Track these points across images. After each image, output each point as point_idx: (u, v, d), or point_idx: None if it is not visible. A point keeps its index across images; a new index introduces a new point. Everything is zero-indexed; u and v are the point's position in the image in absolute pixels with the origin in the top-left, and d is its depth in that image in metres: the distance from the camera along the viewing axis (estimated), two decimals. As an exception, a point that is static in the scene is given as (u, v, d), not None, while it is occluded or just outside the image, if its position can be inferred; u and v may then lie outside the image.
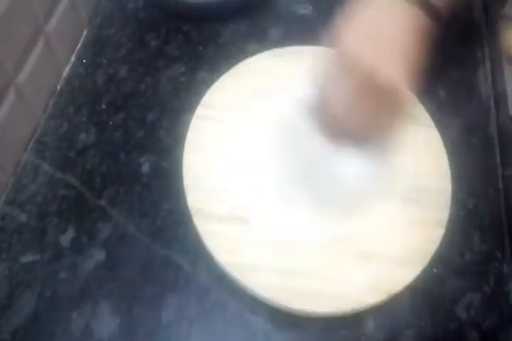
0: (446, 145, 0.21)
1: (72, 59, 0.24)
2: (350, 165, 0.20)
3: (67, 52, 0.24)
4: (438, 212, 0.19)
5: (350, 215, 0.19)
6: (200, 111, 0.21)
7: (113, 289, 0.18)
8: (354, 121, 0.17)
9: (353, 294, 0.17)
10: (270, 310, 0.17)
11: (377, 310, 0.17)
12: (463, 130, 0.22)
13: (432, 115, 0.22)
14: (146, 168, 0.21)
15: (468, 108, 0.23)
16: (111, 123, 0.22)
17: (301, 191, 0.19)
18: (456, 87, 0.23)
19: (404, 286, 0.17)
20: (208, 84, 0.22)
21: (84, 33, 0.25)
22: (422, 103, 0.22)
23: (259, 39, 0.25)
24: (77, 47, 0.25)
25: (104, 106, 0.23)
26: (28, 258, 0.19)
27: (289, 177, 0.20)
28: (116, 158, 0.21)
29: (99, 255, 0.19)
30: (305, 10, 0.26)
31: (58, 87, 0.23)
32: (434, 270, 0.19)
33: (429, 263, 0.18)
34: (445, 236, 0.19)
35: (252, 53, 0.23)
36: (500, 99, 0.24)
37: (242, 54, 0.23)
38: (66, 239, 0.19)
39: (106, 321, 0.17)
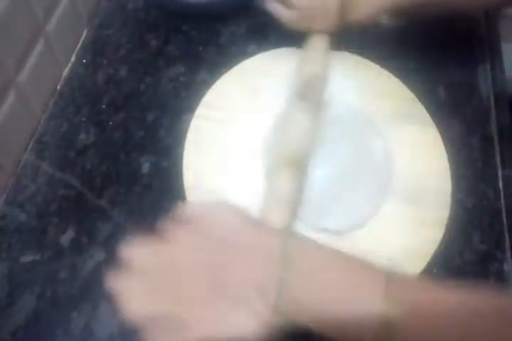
0: (446, 145, 0.21)
1: (72, 59, 0.24)
2: (350, 165, 0.20)
3: (67, 52, 0.24)
4: (438, 212, 0.19)
5: (351, 215, 0.19)
6: (200, 111, 0.21)
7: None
8: None
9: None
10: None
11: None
12: (463, 130, 0.22)
13: (432, 115, 0.22)
14: (146, 168, 0.21)
15: (468, 108, 0.23)
16: (111, 123, 0.22)
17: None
18: (456, 86, 0.23)
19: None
20: (207, 84, 0.22)
21: (84, 33, 0.25)
22: (422, 103, 0.22)
23: (259, 39, 0.25)
24: (77, 47, 0.25)
25: (104, 106, 0.23)
26: (28, 258, 0.19)
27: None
28: (116, 158, 0.21)
29: (99, 255, 0.19)
30: (305, 10, 0.26)
31: (58, 87, 0.23)
32: (434, 270, 0.19)
33: (429, 262, 0.18)
34: (445, 236, 0.19)
35: (252, 54, 0.23)
36: (500, 99, 0.24)
37: (242, 54, 0.24)
38: (66, 239, 0.19)
39: (106, 321, 0.17)
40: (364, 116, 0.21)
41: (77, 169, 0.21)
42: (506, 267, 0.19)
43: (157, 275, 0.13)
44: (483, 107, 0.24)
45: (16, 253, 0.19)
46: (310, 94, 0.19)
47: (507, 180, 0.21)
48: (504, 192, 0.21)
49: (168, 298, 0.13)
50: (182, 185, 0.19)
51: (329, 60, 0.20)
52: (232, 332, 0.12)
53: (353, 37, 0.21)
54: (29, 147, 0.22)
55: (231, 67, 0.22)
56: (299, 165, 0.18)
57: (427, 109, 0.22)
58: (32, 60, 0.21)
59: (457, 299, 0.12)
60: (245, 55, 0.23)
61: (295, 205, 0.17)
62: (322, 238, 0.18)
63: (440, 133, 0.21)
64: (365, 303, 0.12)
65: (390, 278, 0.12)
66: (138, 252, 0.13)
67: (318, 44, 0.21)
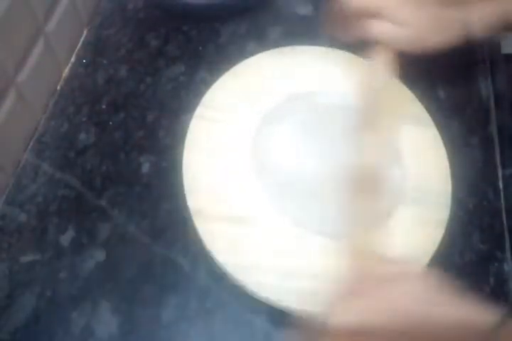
0: (446, 146, 0.21)
1: (72, 59, 0.24)
2: (351, 165, 0.20)
3: (67, 52, 0.24)
4: (438, 212, 0.19)
5: (351, 216, 0.19)
6: (200, 111, 0.21)
7: (113, 289, 0.18)
8: None
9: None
10: (270, 310, 0.17)
11: (377, 310, 0.17)
12: (463, 130, 0.22)
13: (432, 115, 0.22)
14: (146, 167, 0.21)
15: (468, 108, 0.23)
16: (111, 123, 0.22)
17: (302, 191, 0.19)
18: (456, 86, 0.23)
19: (404, 286, 0.17)
20: (207, 84, 0.22)
21: (85, 33, 0.25)
22: (422, 103, 0.22)
23: (259, 39, 0.25)
24: (77, 47, 0.25)
25: (104, 106, 0.23)
26: (28, 258, 0.19)
27: (290, 177, 0.19)
28: (116, 158, 0.21)
29: (99, 255, 0.19)
30: (305, 10, 0.26)
31: (58, 87, 0.23)
32: (434, 270, 0.19)
33: (429, 262, 0.18)
34: (445, 236, 0.19)
35: (252, 53, 0.23)
36: (500, 99, 0.24)
37: (242, 54, 0.23)
38: (66, 239, 0.19)
39: (106, 321, 0.17)
40: (363, 116, 0.21)
41: (77, 169, 0.21)
42: (506, 267, 0.19)
43: None
44: (483, 107, 0.24)
45: (16, 253, 0.19)
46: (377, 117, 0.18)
47: (507, 180, 0.21)
48: (504, 192, 0.21)
49: None
50: (182, 184, 0.19)
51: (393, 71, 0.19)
52: None
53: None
54: (29, 147, 0.22)
55: (231, 66, 0.22)
56: (372, 190, 0.17)
57: (426, 109, 0.22)
58: (32, 60, 0.21)
59: None
60: (245, 54, 0.23)
61: None
62: (320, 240, 0.18)
63: (440, 133, 0.21)
64: None
65: None
66: None
67: (383, 55, 0.19)
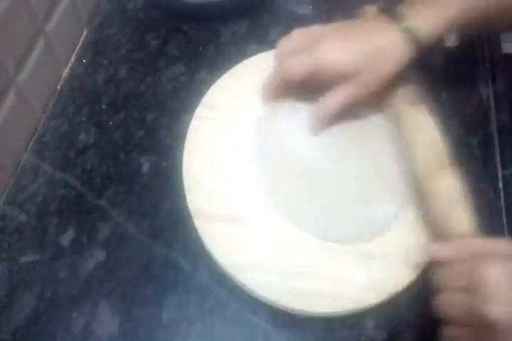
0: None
1: (72, 59, 0.24)
2: (350, 165, 0.20)
3: (67, 52, 0.24)
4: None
5: (351, 215, 0.19)
6: (200, 111, 0.21)
7: (113, 289, 0.18)
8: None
9: (353, 294, 0.17)
10: (270, 310, 0.17)
11: (377, 310, 0.17)
12: (463, 130, 0.22)
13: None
14: (146, 168, 0.21)
15: (468, 108, 0.23)
16: (111, 123, 0.22)
17: (301, 190, 0.19)
18: (456, 86, 0.23)
19: (405, 286, 0.17)
20: (207, 84, 0.22)
21: (84, 33, 0.25)
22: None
23: (259, 39, 0.25)
24: (77, 47, 0.25)
25: (104, 106, 0.23)
26: (28, 258, 0.19)
27: (290, 177, 0.19)
28: (116, 158, 0.21)
29: (99, 255, 0.19)
30: (305, 10, 0.26)
31: (58, 87, 0.23)
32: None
33: (429, 264, 0.18)
34: (445, 236, 0.19)
35: (252, 53, 0.23)
36: (500, 99, 0.24)
37: (242, 54, 0.23)
38: (66, 239, 0.19)
39: (106, 321, 0.17)
40: (365, 118, 0.21)
41: (77, 169, 0.21)
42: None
43: None
44: (483, 107, 0.24)
45: (16, 253, 0.19)
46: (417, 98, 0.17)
47: (507, 180, 0.21)
48: (504, 192, 0.21)
49: None
50: (182, 184, 0.19)
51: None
52: (380, 45, 0.13)
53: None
54: (29, 147, 0.22)
55: (231, 67, 0.22)
56: (450, 165, 0.17)
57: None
58: (32, 60, 0.21)
59: None
60: (245, 55, 0.23)
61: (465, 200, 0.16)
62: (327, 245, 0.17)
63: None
64: None
65: None
66: None
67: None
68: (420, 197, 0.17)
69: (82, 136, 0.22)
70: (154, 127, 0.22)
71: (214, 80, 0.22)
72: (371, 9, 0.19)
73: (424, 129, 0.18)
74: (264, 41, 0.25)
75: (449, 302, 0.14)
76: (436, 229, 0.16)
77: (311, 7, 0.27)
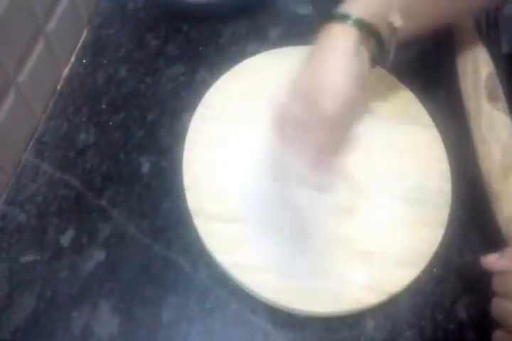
0: (445, 145, 0.21)
1: (72, 59, 0.24)
2: (352, 165, 0.20)
3: (67, 52, 0.24)
4: (438, 212, 0.19)
5: (351, 215, 0.19)
6: (200, 111, 0.21)
7: (113, 289, 0.18)
8: None
9: (353, 294, 0.17)
10: (270, 310, 0.17)
11: (377, 310, 0.17)
12: (463, 130, 0.22)
13: (432, 115, 0.22)
14: (146, 167, 0.21)
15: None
16: (111, 123, 0.22)
17: (303, 191, 0.19)
18: (455, 86, 0.23)
19: (404, 286, 0.17)
20: (208, 84, 0.22)
21: (84, 33, 0.25)
22: (422, 103, 0.22)
23: (259, 39, 0.25)
24: (77, 47, 0.25)
25: (104, 106, 0.23)
26: (28, 258, 0.18)
27: (290, 177, 0.19)
28: (116, 158, 0.21)
29: (99, 255, 0.19)
30: (305, 10, 0.26)
31: (58, 87, 0.23)
32: (434, 270, 0.19)
33: (429, 263, 0.18)
34: (445, 236, 0.19)
35: (252, 53, 0.23)
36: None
37: (242, 54, 0.24)
38: (66, 239, 0.19)
39: (106, 321, 0.17)
40: (365, 117, 0.21)
41: (77, 169, 0.21)
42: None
43: None
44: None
45: (16, 253, 0.19)
46: (497, 93, 0.17)
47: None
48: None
49: None
50: (182, 184, 0.19)
51: None
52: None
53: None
54: (29, 147, 0.21)
55: (231, 66, 0.22)
56: None
57: (426, 109, 0.22)
58: (32, 60, 0.21)
59: None
60: (245, 54, 0.23)
61: None
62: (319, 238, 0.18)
63: (440, 133, 0.21)
64: None
65: None
66: None
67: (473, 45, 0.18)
68: (492, 195, 0.17)
69: (82, 136, 0.22)
70: (154, 127, 0.22)
71: (214, 80, 0.22)
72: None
73: (502, 127, 0.17)
74: (264, 41, 0.25)
75: (502, 310, 0.14)
76: (504, 230, 0.16)
77: (311, 7, 0.27)
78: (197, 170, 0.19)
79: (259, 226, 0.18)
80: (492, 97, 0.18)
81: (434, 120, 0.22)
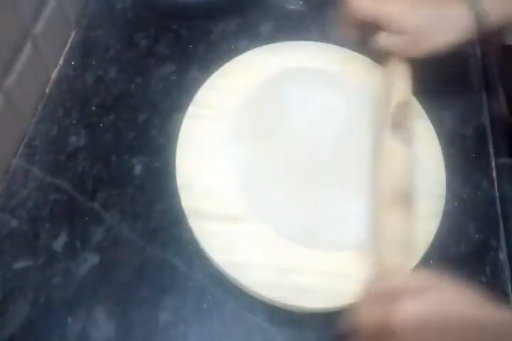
0: (439, 136, 0.21)
1: (61, 61, 0.24)
2: (346, 161, 0.20)
3: (55, 55, 0.24)
4: (433, 204, 0.19)
5: (347, 210, 0.18)
6: (192, 110, 0.21)
7: (108, 292, 0.18)
8: None
9: (351, 289, 0.17)
10: (268, 307, 0.17)
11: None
12: (455, 121, 0.22)
13: (424, 106, 0.21)
14: (138, 169, 0.21)
15: (461, 99, 0.23)
16: (101, 125, 0.22)
17: (296, 187, 0.19)
18: (448, 78, 0.23)
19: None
20: (199, 82, 0.22)
21: (72, 34, 0.25)
22: (415, 95, 0.22)
23: (250, 36, 0.25)
24: (65, 49, 0.24)
25: (94, 108, 0.23)
26: (20, 264, 0.18)
27: (284, 175, 0.19)
28: (107, 160, 0.21)
29: (93, 259, 0.18)
30: (295, 5, 0.26)
31: (47, 90, 0.23)
32: (431, 261, 0.18)
33: (426, 254, 0.18)
34: (440, 227, 0.18)
35: (243, 50, 0.23)
36: (491, 89, 0.24)
37: (233, 51, 0.23)
38: (59, 243, 0.19)
39: (102, 325, 0.17)
40: (358, 109, 0.21)
41: (69, 172, 0.21)
42: (501, 256, 0.19)
43: None
44: (475, 97, 0.24)
45: (9, 259, 0.18)
46: (403, 123, 0.18)
47: (500, 169, 0.21)
48: (498, 181, 0.21)
49: None
50: (175, 185, 0.19)
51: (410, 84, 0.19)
52: (447, 16, 0.14)
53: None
54: (19, 152, 0.21)
55: (222, 64, 0.22)
56: (407, 200, 0.17)
57: (419, 101, 0.22)
58: (20, 63, 0.21)
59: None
60: (236, 52, 0.23)
61: (410, 244, 0.16)
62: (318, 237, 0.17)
63: (433, 124, 0.21)
64: None
65: None
66: None
67: (399, 68, 0.19)
68: (374, 225, 0.17)
69: (73, 138, 0.22)
70: (146, 127, 0.22)
71: (205, 78, 0.22)
72: None
73: (399, 160, 0.18)
74: (254, 38, 0.25)
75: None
76: (377, 261, 0.16)
77: (301, 2, 0.26)
78: (190, 169, 0.19)
79: (254, 224, 0.18)
80: (396, 126, 0.17)
81: (427, 111, 0.21)
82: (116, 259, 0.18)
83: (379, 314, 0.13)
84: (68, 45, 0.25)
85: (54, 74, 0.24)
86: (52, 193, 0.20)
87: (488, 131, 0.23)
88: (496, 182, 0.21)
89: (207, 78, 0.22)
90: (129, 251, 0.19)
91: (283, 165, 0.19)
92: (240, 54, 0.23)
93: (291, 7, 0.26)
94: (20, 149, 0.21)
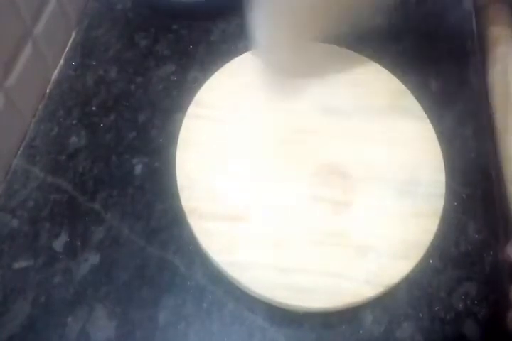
0: (438, 136, 0.21)
1: (61, 61, 0.24)
2: (345, 158, 0.20)
3: (55, 55, 0.24)
4: (433, 203, 0.19)
5: (345, 209, 0.19)
6: (192, 110, 0.21)
7: (108, 292, 0.18)
8: None
9: (351, 288, 0.17)
10: (268, 307, 0.17)
11: (375, 304, 0.17)
12: (455, 120, 0.22)
13: (424, 106, 0.21)
14: (138, 169, 0.21)
15: (460, 98, 0.23)
16: (102, 125, 0.22)
17: (296, 186, 0.19)
18: (447, 77, 0.23)
19: (401, 278, 0.17)
20: (199, 82, 0.22)
21: (73, 34, 0.25)
22: (414, 94, 0.22)
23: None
24: (66, 49, 0.24)
25: (94, 108, 0.23)
26: (21, 264, 0.18)
27: (284, 174, 0.19)
28: (108, 160, 0.21)
29: (93, 259, 0.18)
30: (294, 6, 0.26)
31: (47, 90, 0.23)
32: (430, 261, 0.19)
33: (425, 254, 0.18)
34: (440, 227, 0.18)
35: (244, 50, 0.23)
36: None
37: (234, 52, 0.23)
38: (59, 243, 0.19)
39: (102, 325, 0.17)
40: (357, 109, 0.21)
41: (69, 173, 0.21)
42: (501, 255, 0.19)
43: None
44: (475, 97, 0.24)
45: (9, 259, 0.18)
46: None
47: (499, 169, 0.21)
48: (497, 181, 0.21)
49: None
50: (175, 185, 0.19)
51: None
52: None
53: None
54: (19, 152, 0.21)
55: (222, 64, 0.22)
56: None
57: (418, 101, 0.22)
58: (20, 64, 0.21)
59: None
60: (236, 52, 0.23)
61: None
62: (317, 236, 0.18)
63: (432, 124, 0.21)
64: None
65: None
66: None
67: None
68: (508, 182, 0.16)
69: (73, 139, 0.22)
70: (146, 128, 0.22)
71: (205, 79, 0.22)
72: None
73: None
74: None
75: None
76: None
77: (300, 3, 0.26)
78: (190, 169, 0.19)
79: (254, 224, 0.18)
80: None
81: (426, 111, 0.22)
82: (116, 259, 0.18)
83: None
84: (69, 46, 0.25)
85: (54, 75, 0.24)
86: (52, 193, 0.20)
87: (487, 130, 0.23)
88: (495, 182, 0.21)
89: (207, 78, 0.22)
90: (129, 250, 0.19)
91: (284, 165, 0.20)
92: (240, 54, 0.23)
93: (291, 7, 0.26)
94: (21, 149, 0.21)
